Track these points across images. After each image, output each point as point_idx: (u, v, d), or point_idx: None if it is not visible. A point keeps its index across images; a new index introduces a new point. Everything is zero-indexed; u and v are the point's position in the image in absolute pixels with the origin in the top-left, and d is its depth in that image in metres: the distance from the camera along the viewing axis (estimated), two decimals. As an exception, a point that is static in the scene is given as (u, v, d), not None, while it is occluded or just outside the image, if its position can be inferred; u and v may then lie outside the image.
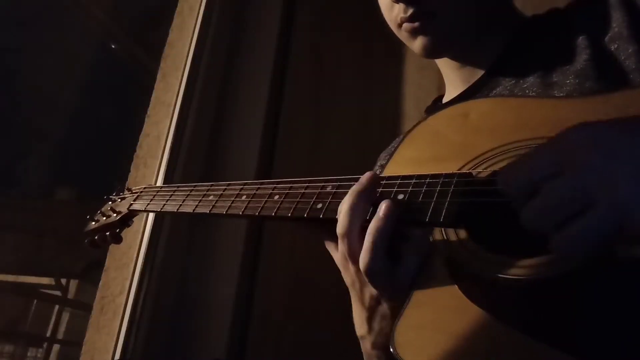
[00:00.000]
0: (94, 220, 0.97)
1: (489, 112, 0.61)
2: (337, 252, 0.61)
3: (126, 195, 0.95)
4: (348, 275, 0.61)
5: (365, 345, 0.65)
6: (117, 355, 1.23)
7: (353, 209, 0.56)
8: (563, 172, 0.41)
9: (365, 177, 0.58)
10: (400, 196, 0.57)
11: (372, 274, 0.55)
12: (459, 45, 0.77)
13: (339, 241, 0.58)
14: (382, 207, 0.54)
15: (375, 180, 0.59)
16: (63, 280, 4.13)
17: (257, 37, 1.73)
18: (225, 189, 0.76)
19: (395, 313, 0.55)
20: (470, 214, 0.51)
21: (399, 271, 0.54)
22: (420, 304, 0.49)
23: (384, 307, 0.59)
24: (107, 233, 0.94)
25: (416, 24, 0.73)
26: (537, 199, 0.41)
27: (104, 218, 0.95)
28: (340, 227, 0.57)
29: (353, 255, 0.57)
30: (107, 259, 1.42)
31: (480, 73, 0.77)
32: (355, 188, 0.58)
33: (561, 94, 0.62)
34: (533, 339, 0.41)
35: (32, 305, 4.34)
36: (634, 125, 0.42)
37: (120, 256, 1.39)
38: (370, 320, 0.62)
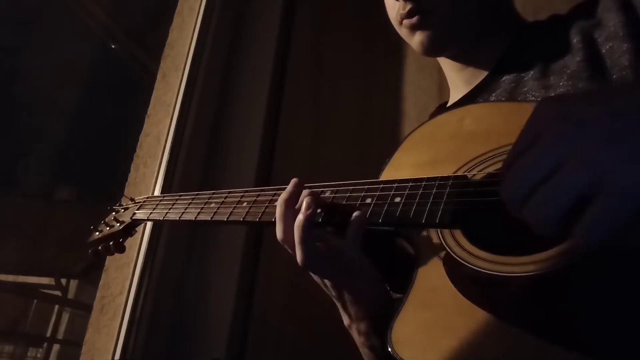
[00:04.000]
0: (97, 231, 0.98)
1: (484, 116, 0.62)
2: None
3: (129, 205, 0.96)
4: (312, 276, 0.65)
5: (354, 334, 0.68)
6: (117, 355, 1.23)
7: (284, 216, 0.62)
8: (532, 146, 0.41)
9: (290, 185, 0.65)
10: (397, 199, 0.58)
11: (310, 265, 0.59)
12: (458, 44, 0.78)
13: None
14: (303, 203, 0.60)
15: (300, 185, 0.64)
16: (63, 280, 4.13)
17: (257, 37, 1.73)
18: (226, 197, 0.77)
19: (359, 298, 0.62)
20: (466, 215, 0.52)
21: (339, 254, 0.59)
22: (418, 303, 0.50)
23: (346, 293, 0.63)
24: (111, 243, 0.94)
25: (414, 20, 0.74)
26: (508, 175, 0.42)
27: (108, 228, 0.96)
28: (278, 235, 0.63)
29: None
30: (107, 259, 1.42)
31: (482, 75, 0.77)
32: (282, 197, 0.63)
33: None
34: (531, 336, 0.41)
35: (32, 305, 4.34)
36: (598, 94, 0.44)
37: (120, 256, 1.39)
38: (345, 308, 0.65)
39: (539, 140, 0.40)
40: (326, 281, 0.62)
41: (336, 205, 0.63)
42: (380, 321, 0.62)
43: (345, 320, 0.67)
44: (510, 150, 0.44)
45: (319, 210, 0.62)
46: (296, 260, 0.62)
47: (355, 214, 0.59)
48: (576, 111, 0.40)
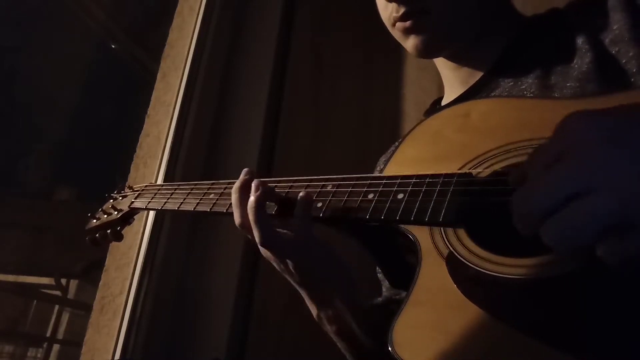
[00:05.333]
0: (95, 218, 0.98)
1: (490, 112, 0.61)
2: None
3: (127, 193, 0.95)
4: (273, 262, 0.66)
5: (325, 325, 0.69)
6: (117, 355, 1.23)
7: (239, 202, 0.66)
8: (561, 162, 0.39)
9: (242, 174, 0.68)
10: (400, 195, 0.57)
11: (268, 243, 0.62)
12: (455, 46, 0.76)
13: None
14: (252, 187, 0.64)
15: (251, 173, 0.68)
16: (63, 280, 4.13)
17: (257, 37, 1.73)
18: (226, 188, 0.76)
19: (322, 278, 0.65)
20: (470, 213, 0.51)
21: (291, 230, 0.62)
22: (419, 303, 0.49)
23: (309, 275, 0.65)
24: (108, 231, 0.94)
25: (407, 23, 0.72)
26: (528, 186, 0.40)
27: (105, 216, 0.95)
28: (236, 221, 0.66)
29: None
30: (107, 259, 1.41)
31: (479, 74, 0.75)
32: (236, 185, 0.67)
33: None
34: (532, 339, 0.41)
35: (32, 305, 4.34)
36: (631, 112, 0.41)
37: (120, 256, 1.39)
38: (311, 294, 0.68)
39: (569, 156, 0.38)
40: (289, 262, 0.64)
41: (289, 198, 0.66)
42: (349, 302, 0.65)
43: (314, 311, 0.69)
44: (533, 157, 0.42)
45: (273, 204, 0.67)
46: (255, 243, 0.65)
47: (300, 194, 0.63)
48: (613, 129, 0.38)
